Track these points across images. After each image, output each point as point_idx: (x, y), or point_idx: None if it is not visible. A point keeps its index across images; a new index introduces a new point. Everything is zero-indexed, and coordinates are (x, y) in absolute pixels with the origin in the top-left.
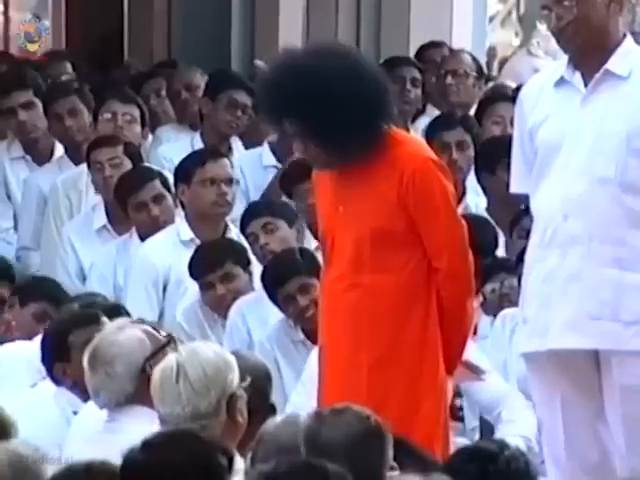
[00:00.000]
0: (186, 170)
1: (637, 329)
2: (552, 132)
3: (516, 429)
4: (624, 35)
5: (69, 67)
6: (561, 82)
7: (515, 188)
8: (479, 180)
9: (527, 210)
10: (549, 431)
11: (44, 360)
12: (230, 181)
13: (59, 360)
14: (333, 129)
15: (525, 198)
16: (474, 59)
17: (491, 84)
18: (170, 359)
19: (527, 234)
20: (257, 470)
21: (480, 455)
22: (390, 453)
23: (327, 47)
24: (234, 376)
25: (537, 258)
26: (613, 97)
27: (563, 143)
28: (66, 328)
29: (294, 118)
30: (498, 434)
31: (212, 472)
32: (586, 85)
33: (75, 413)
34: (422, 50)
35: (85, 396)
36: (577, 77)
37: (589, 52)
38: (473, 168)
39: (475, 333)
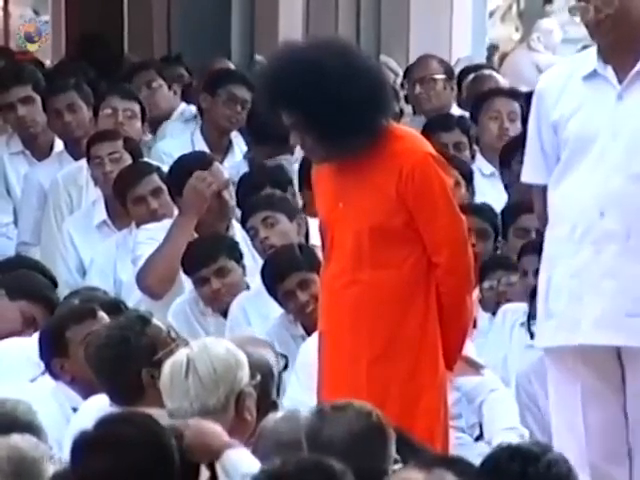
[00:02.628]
0: (177, 182)
1: None
2: (584, 126)
3: (504, 422)
4: None
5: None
6: (592, 75)
7: (528, 178)
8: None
9: (523, 208)
10: (568, 426)
11: (42, 356)
12: (226, 184)
13: (57, 356)
14: (329, 124)
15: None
16: (441, 61)
17: (472, 76)
18: (181, 354)
19: (525, 233)
20: (262, 469)
21: (522, 455)
22: (393, 448)
23: (326, 42)
24: (244, 373)
25: (565, 253)
26: None
27: (597, 137)
28: (63, 324)
29: (291, 111)
30: (486, 430)
31: (161, 449)
32: (619, 80)
33: (74, 409)
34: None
35: (84, 392)
36: (610, 71)
37: (624, 46)
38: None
39: (475, 326)
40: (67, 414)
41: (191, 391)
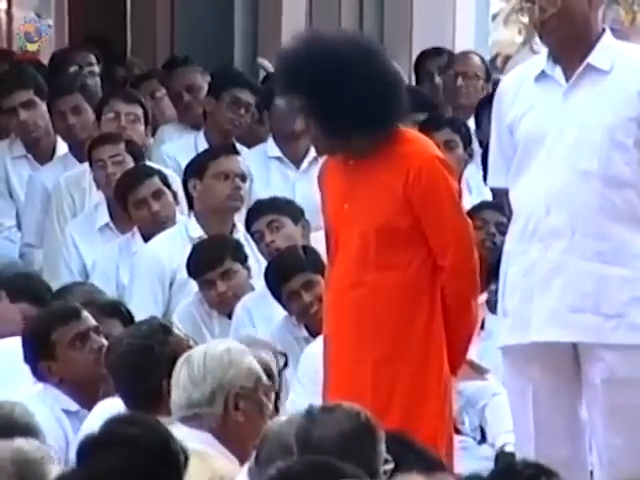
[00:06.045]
0: (198, 164)
1: (618, 322)
2: (534, 125)
3: (507, 425)
4: (603, 30)
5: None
6: (541, 76)
7: (492, 182)
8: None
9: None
10: (520, 425)
11: (27, 359)
12: (243, 177)
13: (43, 359)
14: (338, 115)
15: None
16: (483, 61)
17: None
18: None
19: (484, 224)
20: (274, 467)
21: (537, 465)
22: (382, 447)
23: (353, 37)
24: (238, 374)
25: (518, 251)
26: (595, 91)
27: (545, 136)
28: (47, 326)
29: (303, 93)
30: (489, 433)
31: (167, 451)
32: (567, 79)
33: (65, 411)
34: (422, 58)
35: (73, 393)
36: (558, 71)
37: (570, 45)
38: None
39: (482, 328)
40: (58, 416)
41: (181, 383)
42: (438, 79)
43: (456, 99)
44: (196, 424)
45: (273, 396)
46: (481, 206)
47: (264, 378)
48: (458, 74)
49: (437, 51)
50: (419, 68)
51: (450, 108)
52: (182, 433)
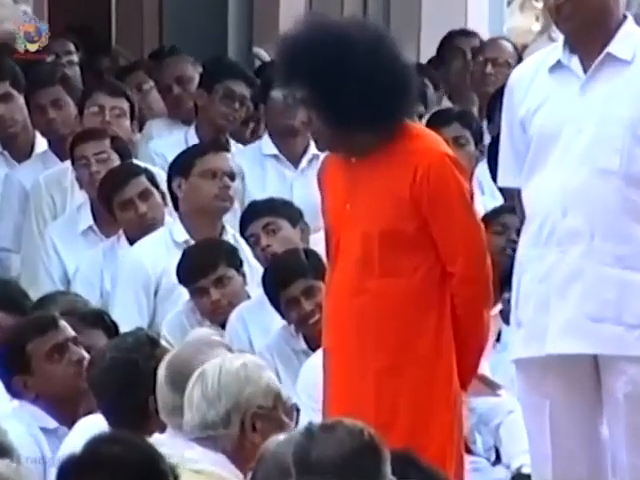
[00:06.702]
0: (184, 162)
1: None
2: (549, 120)
3: (523, 445)
4: (624, 16)
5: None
6: (557, 66)
7: (503, 182)
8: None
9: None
10: (535, 444)
11: None
12: (232, 176)
13: (18, 373)
14: (342, 107)
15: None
16: (515, 47)
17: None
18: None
19: (504, 229)
20: None
21: None
22: (388, 468)
23: (363, 24)
24: (256, 392)
25: (533, 256)
26: (616, 82)
27: (561, 132)
28: (23, 338)
29: (306, 83)
30: (504, 454)
31: (154, 471)
32: (585, 70)
33: (43, 429)
34: (449, 38)
35: (51, 409)
36: (575, 61)
37: (588, 33)
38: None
39: (498, 340)
40: (34, 434)
41: (194, 402)
42: (470, 56)
43: (483, 86)
44: (209, 444)
45: (295, 414)
46: (501, 210)
47: (284, 395)
48: (488, 60)
49: (466, 32)
50: (445, 48)
51: (475, 95)
52: (195, 454)
